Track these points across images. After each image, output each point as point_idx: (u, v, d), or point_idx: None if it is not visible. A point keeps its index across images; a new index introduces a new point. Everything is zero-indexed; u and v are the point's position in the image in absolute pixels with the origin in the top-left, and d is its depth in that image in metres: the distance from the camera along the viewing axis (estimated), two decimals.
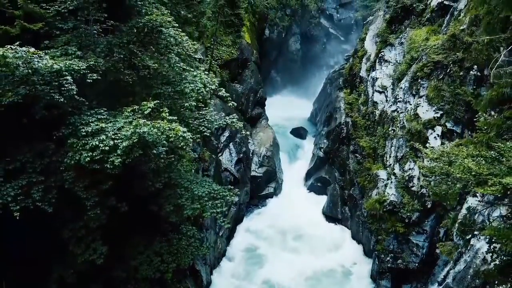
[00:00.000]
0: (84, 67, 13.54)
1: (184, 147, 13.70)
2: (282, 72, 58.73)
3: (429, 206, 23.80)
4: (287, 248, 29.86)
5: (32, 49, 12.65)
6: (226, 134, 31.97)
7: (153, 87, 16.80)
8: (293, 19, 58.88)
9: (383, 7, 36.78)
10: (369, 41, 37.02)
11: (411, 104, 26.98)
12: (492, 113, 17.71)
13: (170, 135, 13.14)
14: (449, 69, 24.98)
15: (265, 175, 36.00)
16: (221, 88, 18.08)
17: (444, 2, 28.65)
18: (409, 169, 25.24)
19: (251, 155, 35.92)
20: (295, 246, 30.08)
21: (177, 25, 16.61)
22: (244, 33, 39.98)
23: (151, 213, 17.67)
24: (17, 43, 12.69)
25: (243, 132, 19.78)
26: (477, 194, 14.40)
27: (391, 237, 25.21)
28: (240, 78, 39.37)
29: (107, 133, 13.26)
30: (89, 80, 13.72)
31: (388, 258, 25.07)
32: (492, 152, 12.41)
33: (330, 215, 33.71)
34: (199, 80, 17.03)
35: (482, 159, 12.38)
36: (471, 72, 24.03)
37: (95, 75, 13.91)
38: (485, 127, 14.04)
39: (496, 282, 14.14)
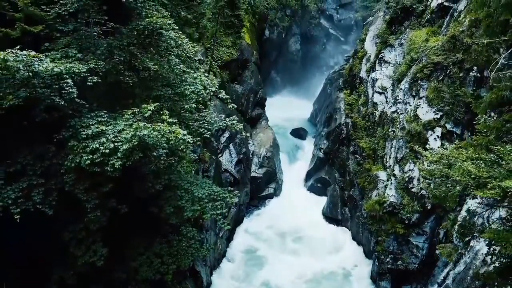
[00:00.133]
0: (85, 69, 13.55)
1: (185, 149, 13.69)
2: (282, 73, 58.78)
3: (429, 207, 23.81)
4: (287, 250, 29.88)
5: (33, 53, 12.67)
6: (226, 135, 31.99)
7: (153, 89, 16.82)
8: (293, 20, 58.92)
9: (383, 8, 36.80)
10: (369, 42, 37.06)
11: (411, 105, 27.00)
12: (492, 114, 17.74)
13: (170, 138, 13.15)
14: (449, 70, 24.99)
15: (265, 175, 36.03)
16: (221, 90, 18.10)
17: (444, 3, 28.67)
18: (409, 170, 25.26)
19: (251, 156, 35.95)
20: (295, 248, 30.10)
21: (177, 27, 16.60)
22: (244, 34, 40.03)
23: (151, 215, 17.67)
24: (18, 46, 12.71)
25: (243, 134, 19.79)
26: (477, 197, 14.41)
27: (391, 238, 25.23)
28: (240, 79, 39.42)
29: (107, 136, 13.28)
30: (89, 83, 13.72)
31: (388, 259, 25.10)
32: (491, 155, 12.43)
33: (330, 216, 33.74)
34: (199, 82, 17.05)
35: (481, 162, 12.39)
36: (471, 73, 24.05)
37: (95, 78, 13.93)
38: (485, 130, 14.07)
39: (496, 284, 14.17)
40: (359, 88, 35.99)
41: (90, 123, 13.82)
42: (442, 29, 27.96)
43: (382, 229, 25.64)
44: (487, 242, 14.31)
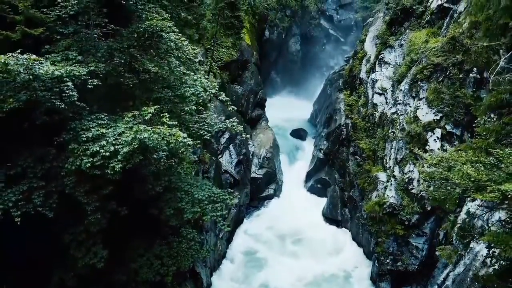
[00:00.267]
0: (85, 72, 13.58)
1: (185, 152, 13.71)
2: (282, 73, 58.79)
3: (428, 208, 23.83)
4: (287, 251, 29.87)
5: (33, 56, 12.69)
6: (226, 136, 32.01)
7: (153, 91, 16.84)
8: (293, 20, 58.92)
9: (383, 9, 36.77)
10: (369, 43, 37.06)
11: (411, 107, 27.03)
12: (492, 115, 17.78)
13: (171, 141, 13.17)
14: (448, 72, 25.02)
15: (265, 176, 36.06)
16: (221, 92, 18.12)
17: (444, 4, 28.67)
18: (409, 171, 25.29)
19: (251, 157, 35.98)
20: (295, 249, 30.09)
21: (177, 30, 16.61)
22: (244, 35, 40.03)
23: (151, 217, 17.70)
24: (19, 50, 12.73)
25: (243, 136, 19.82)
26: (477, 199, 14.44)
27: (390, 239, 25.26)
28: (240, 80, 39.45)
29: (107, 138, 13.29)
30: (89, 86, 13.74)
31: (388, 260, 25.13)
32: (491, 158, 12.46)
33: (330, 217, 33.76)
34: (199, 84, 17.07)
35: (481, 165, 12.43)
36: (470, 74, 24.09)
37: (95, 81, 13.95)
38: (484, 133, 14.09)
39: (496, 286, 14.20)
40: (359, 89, 36.00)
41: (91, 126, 13.83)
42: (442, 30, 27.97)
43: (382, 230, 25.66)
44: (486, 244, 14.33)
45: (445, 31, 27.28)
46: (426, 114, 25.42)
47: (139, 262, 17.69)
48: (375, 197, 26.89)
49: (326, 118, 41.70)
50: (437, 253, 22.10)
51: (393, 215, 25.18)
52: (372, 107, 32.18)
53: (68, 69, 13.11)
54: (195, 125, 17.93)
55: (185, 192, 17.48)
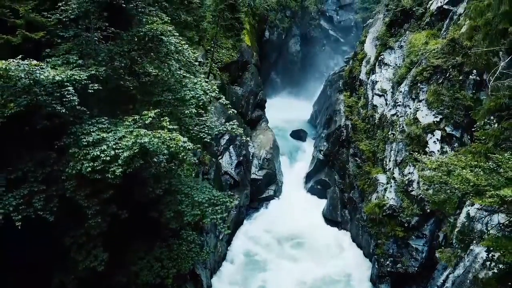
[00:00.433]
0: (85, 77, 13.60)
1: (185, 157, 13.74)
2: (282, 74, 58.86)
3: (428, 210, 23.87)
4: (286, 254, 29.88)
5: (34, 62, 12.72)
6: (226, 137, 32.04)
7: (153, 94, 16.87)
8: (293, 21, 59.00)
9: (383, 10, 36.83)
10: (369, 44, 37.09)
11: (410, 108, 27.08)
12: (492, 117, 17.81)
13: (171, 145, 13.20)
14: (448, 74, 25.09)
15: (265, 177, 36.12)
16: (222, 96, 18.13)
17: (444, 6, 28.72)
18: (409, 173, 25.33)
19: (251, 158, 36.03)
20: (294, 252, 30.13)
21: (177, 34, 16.64)
22: (244, 36, 40.06)
23: (151, 219, 17.72)
24: (20, 56, 12.76)
25: (243, 138, 19.86)
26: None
27: (390, 241, 25.31)
28: (240, 81, 39.51)
29: (108, 143, 13.31)
30: (90, 91, 13.78)
31: (387, 262, 25.18)
32: (490, 163, 12.50)
33: (330, 218, 33.82)
34: (200, 87, 17.10)
35: (480, 170, 12.47)
36: (470, 76, 24.16)
37: (96, 85, 13.98)
38: (483, 137, 14.13)
39: None
40: (359, 90, 36.02)
41: (91, 130, 13.87)
42: (442, 32, 28.02)
43: (382, 232, 25.72)
44: (486, 248, 14.37)
45: (445, 33, 27.34)
46: (426, 116, 25.48)
47: (140, 265, 17.70)
48: (375, 199, 26.94)
49: (326, 119, 41.75)
50: (437, 255, 22.17)
51: (393, 217, 25.24)
52: (372, 109, 32.22)
53: (69, 74, 13.13)
54: (195, 128, 17.96)
55: (185, 194, 17.48)
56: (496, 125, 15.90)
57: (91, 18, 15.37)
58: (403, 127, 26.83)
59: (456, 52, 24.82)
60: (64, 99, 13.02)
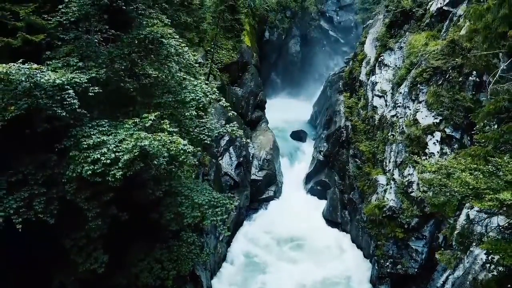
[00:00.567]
0: (86, 80, 13.64)
1: (185, 160, 13.77)
2: (282, 74, 58.89)
3: (428, 212, 23.86)
4: (286, 255, 29.86)
5: (35, 65, 12.74)
6: (226, 138, 32.05)
7: (153, 96, 16.90)
8: (293, 21, 59.03)
9: (383, 11, 36.84)
10: (369, 45, 37.11)
11: (410, 109, 27.10)
12: (492, 118, 17.83)
13: (171, 148, 13.24)
14: (448, 75, 25.11)
15: (265, 178, 36.12)
16: (222, 98, 18.16)
17: (443, 7, 28.74)
18: (409, 174, 25.34)
19: (251, 159, 36.03)
20: (294, 253, 30.10)
21: (177, 36, 16.66)
22: (244, 36, 40.09)
23: (151, 221, 17.77)
24: (21, 60, 12.78)
25: (243, 140, 19.89)
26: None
27: (390, 242, 25.31)
28: (240, 81, 39.53)
29: (108, 145, 13.34)
30: (91, 94, 13.80)
31: (387, 263, 25.18)
32: (489, 166, 12.53)
33: (330, 219, 33.82)
34: (200, 89, 17.13)
35: (479, 173, 12.49)
36: (470, 78, 24.19)
37: (96, 88, 14.00)
38: (483, 140, 14.16)
39: None
40: (359, 91, 36.05)
41: (91, 133, 13.89)
42: (442, 33, 28.04)
43: (382, 233, 25.73)
44: (485, 251, 14.39)
45: (444, 34, 27.37)
46: (425, 117, 25.50)
47: (140, 266, 17.76)
48: (375, 200, 26.96)
49: (326, 120, 41.77)
50: (436, 256, 22.21)
51: (392, 218, 25.24)
52: (372, 110, 32.25)
53: (69, 77, 13.16)
54: (196, 130, 17.99)
55: (185, 196, 17.54)
56: (496, 126, 15.96)
57: (91, 21, 15.39)
58: (403, 128, 26.85)
59: (456, 53, 24.86)
60: (65, 102, 13.05)
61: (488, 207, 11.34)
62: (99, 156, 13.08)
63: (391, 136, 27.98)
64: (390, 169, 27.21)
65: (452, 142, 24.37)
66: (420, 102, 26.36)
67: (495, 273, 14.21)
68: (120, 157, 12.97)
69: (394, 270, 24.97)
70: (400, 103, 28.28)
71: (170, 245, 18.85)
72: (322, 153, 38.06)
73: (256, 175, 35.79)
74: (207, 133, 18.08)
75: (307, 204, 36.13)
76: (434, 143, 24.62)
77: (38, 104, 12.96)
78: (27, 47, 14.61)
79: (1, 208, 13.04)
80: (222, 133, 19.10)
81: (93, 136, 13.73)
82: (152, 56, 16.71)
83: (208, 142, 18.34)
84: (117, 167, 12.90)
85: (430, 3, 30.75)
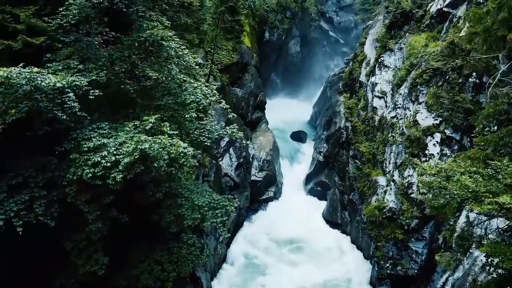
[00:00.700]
0: (86, 83, 13.65)
1: (185, 163, 13.79)
2: (282, 75, 58.88)
3: (428, 213, 23.87)
4: (286, 257, 29.85)
5: (36, 69, 12.76)
6: (226, 139, 32.04)
7: (154, 98, 16.92)
8: (293, 22, 58.98)
9: (383, 12, 36.86)
10: (369, 46, 37.14)
11: (410, 111, 27.13)
12: (491, 119, 17.85)
13: (171, 151, 13.25)
14: (448, 76, 25.14)
15: (265, 179, 36.14)
16: (222, 100, 18.18)
17: (443, 9, 28.76)
18: (408, 175, 25.37)
19: (251, 160, 36.05)
20: (295, 255, 30.10)
21: (178, 38, 16.68)
22: (244, 37, 40.09)
23: (151, 223, 17.79)
24: (21, 64, 12.79)
25: (244, 142, 19.91)
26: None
27: (390, 244, 25.34)
28: (240, 82, 39.55)
29: (108, 148, 13.36)
30: (91, 97, 13.82)
31: (387, 265, 25.21)
32: (488, 169, 12.55)
33: (330, 220, 33.86)
34: (200, 91, 17.15)
35: (479, 176, 12.52)
36: (470, 79, 24.22)
37: (97, 91, 14.01)
38: (482, 143, 14.19)
39: None
40: (359, 92, 36.09)
41: (92, 136, 13.91)
42: (442, 34, 28.06)
43: (382, 234, 25.75)
44: (485, 253, 14.43)
45: (444, 36, 27.40)
46: (425, 119, 25.52)
47: (140, 268, 17.78)
48: (375, 201, 26.99)
49: (326, 120, 41.80)
50: (436, 258, 22.24)
51: (392, 219, 25.28)
52: (372, 111, 32.28)
53: (70, 80, 13.18)
54: (196, 132, 18.01)
55: (185, 198, 17.56)
56: (495, 128, 15.98)
57: (91, 23, 15.39)
58: (402, 129, 26.87)
59: (455, 54, 24.89)
60: (65, 105, 13.06)
61: (487, 210, 11.37)
62: (99, 159, 13.10)
63: (391, 137, 28.01)
64: (390, 170, 27.25)
65: (452, 143, 24.40)
66: (420, 103, 26.39)
67: (494, 275, 14.24)
68: (121, 160, 12.99)
69: (394, 271, 25.01)
70: (400, 104, 28.31)
71: (170, 246, 18.87)
72: (322, 154, 38.08)
73: (256, 176, 35.81)
74: (207, 135, 18.11)
75: (307, 205, 36.17)
76: (434, 144, 24.65)
77: (39, 107, 12.98)
78: (27, 49, 14.61)
79: (2, 211, 13.07)
80: (222, 135, 19.12)
81: (93, 139, 13.75)
82: (152, 58, 16.73)
83: (208, 144, 18.37)
84: (117, 170, 12.92)
85: (430, 4, 30.78)
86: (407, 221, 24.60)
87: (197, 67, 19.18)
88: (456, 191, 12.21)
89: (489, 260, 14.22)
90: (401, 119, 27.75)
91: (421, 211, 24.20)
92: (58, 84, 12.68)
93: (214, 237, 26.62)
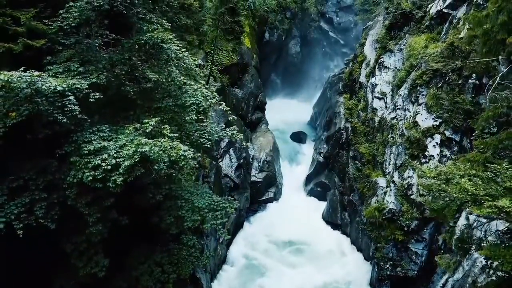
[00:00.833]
0: (86, 86, 13.68)
1: (185, 166, 13.83)
2: (282, 75, 58.88)
3: (428, 215, 23.91)
4: (286, 259, 29.80)
5: (36, 73, 12.78)
6: (226, 140, 32.06)
7: (154, 101, 16.96)
8: (293, 22, 58.97)
9: (383, 13, 36.87)
10: (369, 47, 37.15)
11: (410, 112, 27.14)
12: (491, 120, 17.86)
13: (171, 154, 13.28)
14: (448, 77, 25.14)
15: (265, 180, 36.16)
16: (222, 102, 18.21)
17: (443, 10, 28.76)
18: (408, 177, 25.39)
19: (251, 160, 36.08)
20: (295, 256, 30.06)
21: (178, 41, 16.71)
22: (244, 38, 40.12)
23: (151, 224, 17.82)
24: (22, 68, 12.82)
25: (244, 144, 19.93)
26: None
27: (390, 245, 25.36)
28: (240, 83, 39.58)
29: (109, 151, 13.39)
30: (91, 100, 13.85)
31: (387, 266, 25.23)
32: (488, 172, 12.58)
33: (330, 221, 33.87)
34: (200, 94, 17.18)
35: (478, 179, 12.54)
36: (469, 80, 24.22)
37: (97, 94, 14.04)
38: (482, 147, 14.21)
39: None
40: (358, 92, 36.10)
41: (92, 138, 13.94)
42: (441, 35, 28.07)
43: (382, 236, 25.76)
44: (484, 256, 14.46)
45: (444, 37, 27.41)
46: (425, 120, 25.54)
47: (140, 270, 17.84)
48: (375, 202, 27.00)
49: (326, 121, 41.81)
50: (436, 259, 22.26)
51: (392, 220, 25.30)
52: (371, 112, 32.30)
53: (70, 83, 13.21)
54: (196, 134, 18.04)
55: (185, 200, 17.60)
56: (495, 129, 16.00)
57: (92, 26, 15.42)
58: (402, 130, 26.89)
59: (455, 56, 24.88)
60: (66, 109, 13.09)
61: (486, 213, 11.40)
62: (99, 162, 13.13)
63: (391, 138, 28.02)
64: (390, 172, 27.27)
65: (451, 145, 24.41)
66: (420, 105, 26.41)
67: (494, 278, 14.27)
68: (121, 163, 13.03)
69: (394, 272, 25.01)
70: (400, 105, 28.33)
71: (170, 248, 18.94)
72: (322, 155, 38.10)
73: (256, 177, 35.83)
74: (207, 137, 18.13)
75: (307, 205, 36.16)
76: (434, 145, 24.66)
77: (39, 111, 13.01)
78: (28, 52, 14.63)
79: (2, 213, 13.10)
80: (222, 136, 19.15)
81: (93, 142, 13.78)
82: (152, 60, 16.76)
83: (208, 146, 18.40)
84: (117, 173, 12.96)
85: (430, 6, 30.78)
86: (407, 222, 24.61)
87: (197, 68, 19.19)
88: (455, 194, 12.24)
89: (489, 262, 14.26)
90: (401, 120, 27.77)
91: (421, 212, 24.21)
92: (59, 88, 12.71)
93: (214, 238, 26.65)
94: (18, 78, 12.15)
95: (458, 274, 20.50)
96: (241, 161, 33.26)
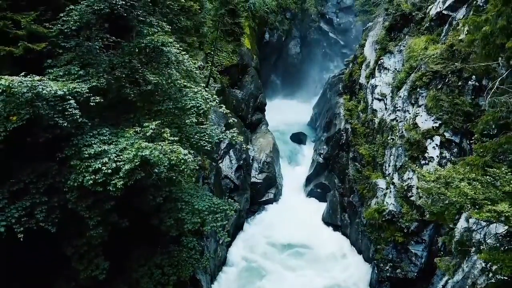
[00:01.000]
0: (87, 90, 13.71)
1: (185, 169, 13.86)
2: (282, 76, 58.91)
3: (427, 218, 23.93)
4: (286, 261, 29.76)
5: (37, 77, 12.81)
6: (226, 141, 31.91)
7: (154, 103, 16.99)
8: (293, 23, 59.02)
9: (383, 14, 36.87)
10: (369, 48, 37.17)
11: (410, 113, 27.17)
12: (491, 122, 17.88)
13: (172, 158, 13.32)
14: (447, 79, 25.18)
15: (265, 181, 36.16)
16: (222, 105, 18.22)
17: (443, 11, 28.75)
18: (408, 178, 25.43)
19: (251, 161, 36.10)
20: (294, 258, 30.04)
21: (178, 45, 16.74)
22: (244, 39, 40.16)
23: (152, 227, 17.86)
24: (23, 73, 12.85)
25: (244, 146, 19.96)
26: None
27: (390, 246, 25.40)
28: (240, 84, 39.62)
29: (109, 155, 13.42)
30: (92, 104, 13.88)
31: (387, 267, 25.27)
32: (487, 177, 12.62)
33: (330, 222, 33.90)
34: (200, 96, 17.21)
35: (477, 183, 12.58)
36: (469, 82, 24.25)
37: (98, 98, 14.06)
38: (481, 151, 14.25)
39: None
40: (358, 94, 36.13)
41: (93, 142, 13.98)
42: (441, 37, 28.07)
43: (381, 237, 25.80)
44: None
45: (444, 38, 27.41)
46: (425, 121, 25.57)
47: (140, 272, 17.89)
48: (375, 204, 27.04)
49: (325, 122, 41.84)
50: (435, 261, 22.28)
51: (392, 222, 25.34)
52: (371, 113, 32.31)
53: (71, 87, 13.23)
54: (196, 136, 18.03)
55: (186, 202, 17.65)
56: (495, 131, 16.02)
57: (92, 29, 15.45)
58: (402, 132, 26.92)
59: (455, 57, 24.89)
60: (66, 112, 13.12)
61: (485, 217, 11.44)
62: (100, 165, 13.16)
63: (391, 139, 28.06)
64: (389, 173, 27.30)
65: (451, 146, 24.44)
66: (419, 106, 26.44)
67: (493, 280, 14.31)
68: (121, 166, 13.06)
69: (394, 274, 25.06)
70: (400, 106, 28.36)
71: (170, 250, 18.97)
72: (322, 156, 38.13)
73: (256, 178, 35.83)
74: (207, 139, 18.13)
75: (307, 206, 36.14)
76: (433, 147, 24.69)
77: (40, 114, 13.03)
78: (28, 55, 14.65)
79: (3, 217, 13.14)
80: (222, 139, 19.18)
81: (94, 145, 13.82)
82: (152, 63, 16.79)
83: (209, 148, 18.41)
84: (118, 176, 12.99)
85: (429, 7, 30.78)
86: (407, 224, 24.66)
87: (197, 71, 19.21)
88: (455, 197, 12.28)
89: (488, 265, 14.29)
90: (400, 121, 27.80)
91: (420, 214, 24.24)
92: (59, 92, 12.73)
93: (214, 239, 26.67)
94: (19, 83, 12.17)
95: (458, 276, 20.52)
96: (241, 162, 33.29)
